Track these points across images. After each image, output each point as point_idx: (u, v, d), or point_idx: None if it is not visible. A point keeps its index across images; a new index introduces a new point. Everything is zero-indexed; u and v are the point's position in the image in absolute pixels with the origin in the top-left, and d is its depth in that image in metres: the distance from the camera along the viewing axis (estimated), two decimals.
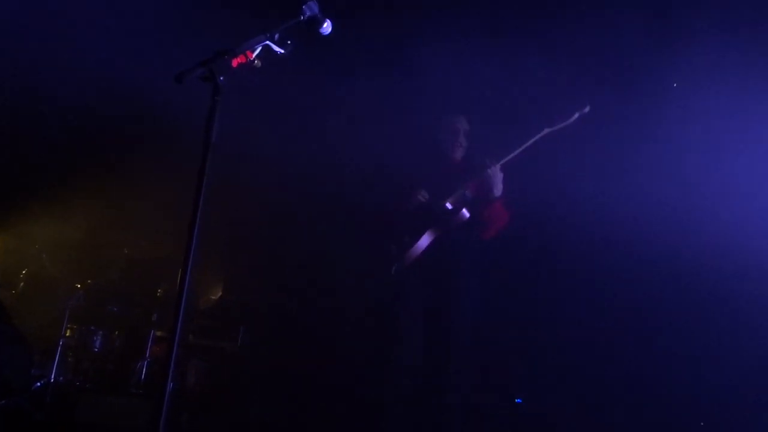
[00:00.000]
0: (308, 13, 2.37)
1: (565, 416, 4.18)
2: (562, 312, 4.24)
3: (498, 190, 3.31)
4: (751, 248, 3.76)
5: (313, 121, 4.24)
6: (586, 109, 3.38)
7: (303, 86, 4.04)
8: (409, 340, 3.40)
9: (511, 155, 3.33)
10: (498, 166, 3.32)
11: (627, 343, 4.10)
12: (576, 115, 3.36)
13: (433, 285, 3.40)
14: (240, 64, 2.09)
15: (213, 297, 5.13)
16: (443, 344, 3.39)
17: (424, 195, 3.34)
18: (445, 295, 3.41)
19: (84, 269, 4.67)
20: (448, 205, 3.27)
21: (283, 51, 2.22)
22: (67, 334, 4.49)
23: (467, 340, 3.47)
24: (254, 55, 2.15)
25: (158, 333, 4.77)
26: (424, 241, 3.27)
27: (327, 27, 2.46)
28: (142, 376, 4.61)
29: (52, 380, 4.27)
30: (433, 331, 3.40)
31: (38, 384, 4.25)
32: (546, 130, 3.33)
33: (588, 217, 3.84)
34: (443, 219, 3.29)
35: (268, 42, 2.18)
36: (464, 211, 3.26)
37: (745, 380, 3.80)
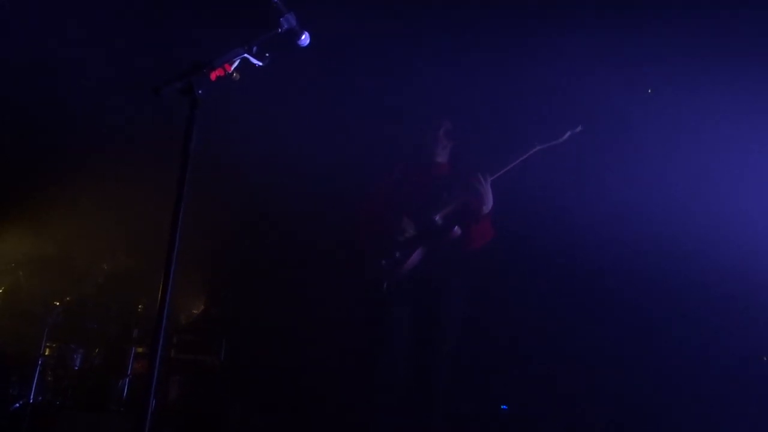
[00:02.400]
0: (286, 26, 2.37)
1: (553, 424, 4.19)
2: (551, 320, 4.25)
3: (488, 205, 3.30)
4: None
5: (296, 131, 4.22)
6: (578, 129, 3.38)
7: (283, 95, 4.03)
8: (396, 352, 3.39)
9: (502, 171, 3.33)
10: (489, 181, 3.31)
11: (618, 352, 4.12)
12: (567, 134, 3.36)
13: (421, 297, 3.40)
14: (218, 77, 2.09)
15: (195, 311, 5.08)
16: (431, 356, 3.39)
17: (416, 212, 3.33)
18: (433, 307, 3.41)
19: (62, 285, 4.59)
20: (438, 219, 3.27)
21: (261, 63, 2.21)
22: (46, 353, 4.41)
23: (454, 351, 3.47)
24: (232, 68, 2.15)
25: (139, 349, 4.70)
26: (416, 257, 3.27)
27: (305, 39, 2.46)
28: (124, 394, 4.56)
29: (31, 400, 4.20)
30: (420, 342, 3.40)
31: (16, 405, 4.19)
32: (537, 147, 3.34)
33: (577, 225, 3.87)
34: (434, 235, 3.29)
35: (246, 55, 2.18)
36: (456, 228, 3.25)
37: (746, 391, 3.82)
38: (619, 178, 3.89)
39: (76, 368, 4.52)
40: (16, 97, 4.27)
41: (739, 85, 3.75)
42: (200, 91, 1.97)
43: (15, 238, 4.60)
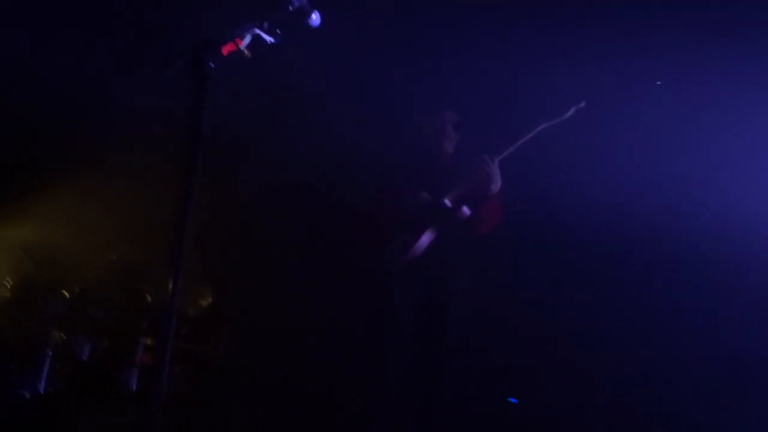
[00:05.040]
0: (297, 4, 2.35)
1: (563, 417, 4.15)
2: (561, 311, 4.22)
3: (496, 185, 3.30)
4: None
5: (305, 116, 4.20)
6: (582, 104, 3.40)
7: (293, 80, 4.01)
8: (402, 342, 3.38)
9: (508, 150, 3.33)
10: (496, 161, 3.32)
11: (630, 343, 4.07)
12: (572, 110, 3.38)
13: (428, 284, 3.38)
14: (230, 52, 2.07)
15: (202, 302, 5.06)
16: (437, 345, 3.38)
17: (425, 196, 3.32)
18: (440, 294, 3.39)
19: (70, 275, 4.58)
20: (447, 203, 3.26)
21: (273, 40, 2.19)
22: (54, 343, 4.40)
23: (462, 339, 3.45)
24: (243, 44, 2.13)
25: (147, 340, 4.69)
26: (425, 239, 3.26)
27: (316, 19, 2.44)
28: (133, 385, 4.55)
29: (40, 390, 4.19)
30: (427, 331, 3.38)
31: (25, 394, 4.17)
32: (542, 125, 3.34)
33: (587, 214, 3.85)
34: (443, 217, 3.28)
35: (257, 30, 2.16)
36: (464, 208, 3.25)
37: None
38: (627, 162, 3.86)
39: (84, 358, 4.52)
40: (16, 88, 4.26)
41: (750, 72, 3.72)
42: (212, 64, 1.95)
43: (23, 228, 4.59)
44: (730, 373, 3.91)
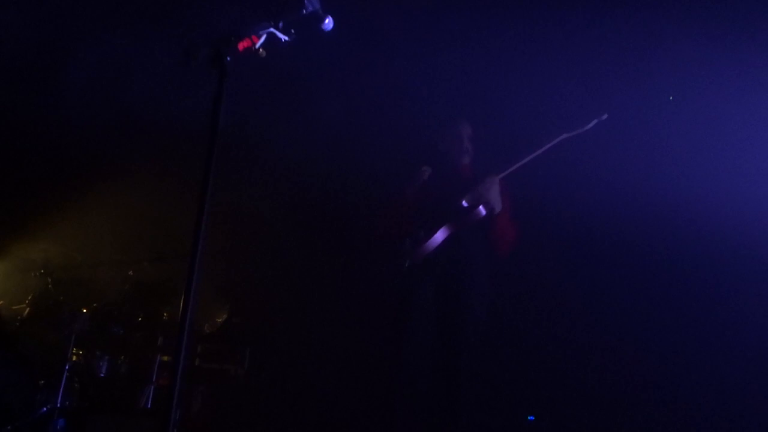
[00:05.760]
0: (310, 8, 2.43)
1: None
2: (580, 321, 4.17)
3: (498, 205, 3.28)
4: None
5: (321, 123, 4.27)
6: (604, 117, 3.40)
7: (310, 80, 4.08)
8: (418, 345, 3.37)
9: (518, 165, 3.33)
10: (496, 180, 3.30)
11: (653, 353, 4.01)
12: (594, 122, 3.38)
13: (446, 286, 3.38)
14: (245, 49, 2.14)
15: (218, 320, 5.09)
16: (454, 348, 3.36)
17: (442, 195, 3.34)
18: (458, 297, 3.39)
19: (88, 292, 4.64)
20: (464, 203, 3.28)
21: (287, 38, 2.27)
22: (73, 359, 4.44)
23: (478, 344, 3.44)
24: (259, 42, 2.20)
25: (164, 358, 4.71)
26: (440, 236, 3.27)
27: (328, 23, 2.51)
28: (149, 403, 4.56)
29: (58, 405, 4.21)
30: (443, 335, 3.38)
31: (44, 409, 4.20)
32: (564, 136, 3.36)
33: (604, 219, 3.84)
34: (459, 215, 3.29)
35: (272, 29, 2.23)
36: (480, 207, 3.24)
37: None
38: (644, 167, 3.87)
39: (102, 375, 4.55)
40: (34, 101, 4.33)
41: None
42: (229, 59, 2.02)
43: (43, 245, 4.67)
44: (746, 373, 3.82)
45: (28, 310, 4.61)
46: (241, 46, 2.11)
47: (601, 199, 3.90)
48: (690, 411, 3.85)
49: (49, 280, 4.60)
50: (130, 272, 4.72)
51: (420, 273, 3.32)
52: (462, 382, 3.23)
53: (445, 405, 3.31)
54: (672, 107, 4.09)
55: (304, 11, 2.41)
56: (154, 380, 4.58)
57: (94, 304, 4.59)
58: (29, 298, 4.66)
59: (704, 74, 3.82)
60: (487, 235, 3.34)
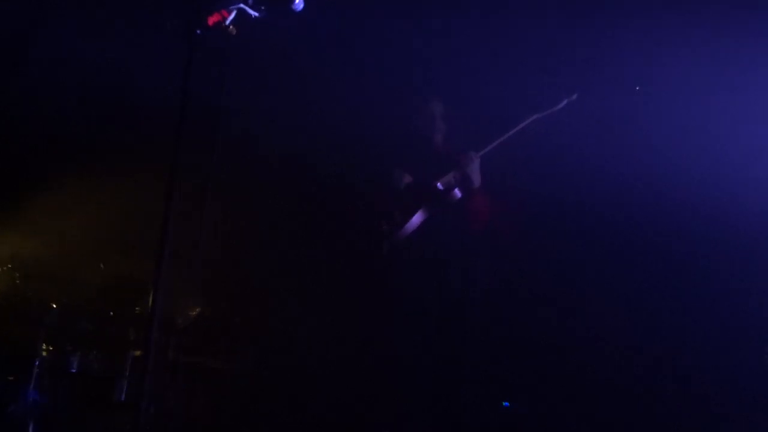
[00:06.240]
0: None
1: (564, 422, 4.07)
2: (566, 306, 4.18)
3: (477, 181, 3.38)
4: None
5: (296, 104, 4.23)
6: (574, 96, 3.49)
7: (286, 64, 4.05)
8: (405, 333, 3.38)
9: (496, 143, 3.42)
10: (477, 158, 3.39)
11: (639, 340, 4.02)
12: (564, 102, 3.48)
13: (429, 271, 3.41)
14: (215, 24, 2.12)
15: (192, 312, 5.02)
16: (442, 334, 3.39)
17: (417, 179, 3.38)
18: (442, 281, 3.42)
19: (58, 287, 4.55)
20: (439, 186, 3.34)
21: (257, 14, 2.26)
22: (43, 355, 4.36)
23: (464, 329, 3.47)
24: (230, 18, 2.19)
25: (137, 353, 4.64)
26: (416, 219, 3.31)
27: (299, 3, 2.51)
28: (122, 397, 4.49)
29: (27, 403, 4.13)
30: (432, 316, 3.40)
31: (12, 407, 4.11)
32: (535, 116, 3.44)
33: (592, 204, 3.85)
34: (435, 198, 3.34)
35: (242, 5, 2.22)
36: (456, 190, 3.33)
37: None
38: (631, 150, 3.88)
39: (73, 371, 4.47)
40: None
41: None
42: (198, 32, 2.00)
43: (10, 240, 4.56)
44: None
45: None
46: (211, 20, 2.10)
47: (585, 181, 3.91)
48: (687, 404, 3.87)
49: (17, 274, 4.51)
50: (101, 265, 4.64)
51: (401, 257, 3.34)
52: (456, 369, 3.27)
53: (440, 392, 3.33)
54: (646, 85, 4.11)
55: None
56: (126, 375, 4.52)
57: (64, 299, 4.51)
58: None
59: (675, 52, 3.85)
60: (464, 215, 3.39)
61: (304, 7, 2.55)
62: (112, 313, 4.59)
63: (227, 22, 2.19)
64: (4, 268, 4.50)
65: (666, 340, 4.03)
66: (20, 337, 4.36)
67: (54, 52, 4.12)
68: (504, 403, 4.50)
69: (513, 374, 4.14)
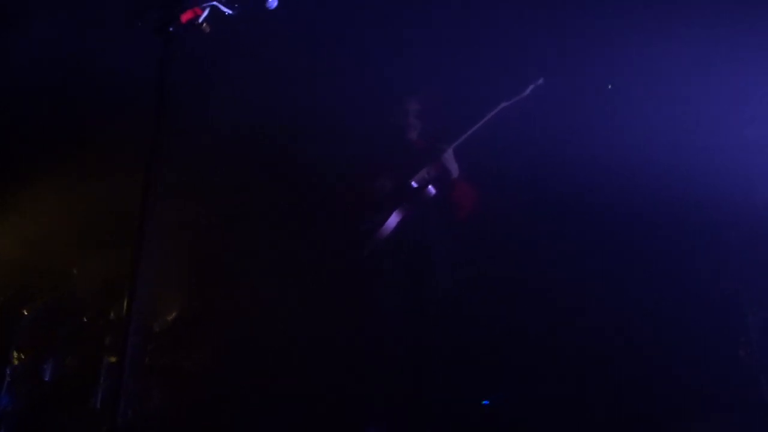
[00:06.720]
0: None
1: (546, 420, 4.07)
2: (548, 302, 4.17)
3: (454, 170, 3.41)
4: None
5: (271, 103, 4.21)
6: (540, 81, 3.54)
7: (261, 60, 4.02)
8: (385, 329, 3.39)
9: (467, 134, 3.45)
10: (450, 150, 3.42)
11: (637, 339, 4.01)
12: (530, 88, 3.53)
13: (408, 268, 3.43)
14: (188, 20, 2.11)
15: (168, 317, 4.97)
16: (419, 331, 3.40)
17: (392, 177, 3.40)
18: (420, 278, 3.44)
19: (30, 292, 4.47)
20: (414, 184, 3.36)
21: (230, 12, 2.25)
22: (14, 363, 4.28)
23: (443, 327, 3.49)
24: (203, 15, 2.18)
25: (112, 358, 4.58)
26: (393, 219, 3.33)
27: (272, 1, 2.51)
28: (98, 403, 4.43)
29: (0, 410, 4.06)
30: (408, 316, 3.42)
31: None
32: (503, 104, 3.48)
33: (574, 193, 3.85)
34: (410, 197, 3.37)
35: (215, 2, 2.21)
36: (430, 187, 3.35)
37: None
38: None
39: (47, 379, 4.40)
40: None
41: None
42: (171, 29, 1.99)
43: None
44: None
45: None
46: (184, 17, 2.08)
47: (565, 170, 3.89)
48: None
49: None
50: (74, 270, 4.57)
51: (381, 257, 3.36)
52: (433, 362, 3.28)
53: (416, 387, 3.34)
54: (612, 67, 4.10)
55: None
56: (101, 382, 4.46)
57: (36, 305, 4.43)
58: None
59: (652, 38, 3.86)
60: (442, 209, 3.42)
61: (277, 5, 2.56)
62: (85, 319, 4.53)
63: (200, 20, 2.19)
64: None
65: (653, 336, 4.04)
66: None
67: (28, 47, 4.02)
68: (484, 401, 4.53)
69: (497, 370, 4.15)
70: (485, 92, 3.68)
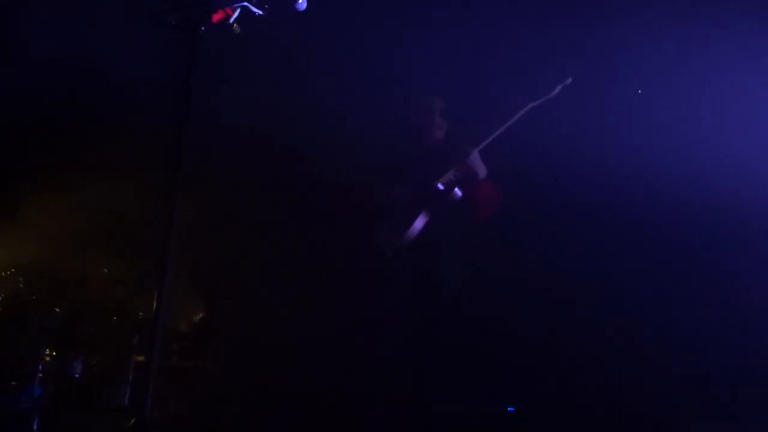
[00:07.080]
0: None
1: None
2: (561, 307, 4.15)
3: (482, 171, 3.39)
4: None
5: (293, 104, 4.23)
6: (569, 81, 3.50)
7: (279, 64, 4.05)
8: (397, 341, 3.38)
9: (494, 135, 3.42)
10: (476, 151, 3.40)
11: (641, 342, 3.98)
12: (559, 88, 3.49)
13: (419, 273, 3.41)
14: (219, 21, 2.12)
15: (195, 317, 5.01)
16: (429, 337, 3.38)
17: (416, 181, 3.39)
18: (431, 283, 3.42)
19: (61, 291, 4.53)
20: (440, 186, 3.34)
21: (261, 12, 2.26)
22: (46, 360, 4.35)
23: (453, 330, 3.46)
24: (234, 16, 2.19)
25: (140, 357, 4.63)
26: (418, 223, 3.32)
27: (302, 3, 2.52)
28: (125, 402, 4.48)
29: (30, 408, 4.12)
30: (418, 322, 3.39)
31: (16, 411, 4.10)
32: (530, 105, 3.45)
33: (573, 193, 3.84)
34: (435, 200, 3.34)
35: (246, 3, 2.22)
36: (456, 189, 3.33)
37: None
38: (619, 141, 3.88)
39: (77, 376, 4.45)
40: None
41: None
42: (203, 28, 2.00)
43: (13, 244, 4.54)
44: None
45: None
46: (215, 17, 2.10)
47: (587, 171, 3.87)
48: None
49: (21, 279, 4.49)
50: (105, 269, 4.63)
51: (399, 261, 3.34)
52: (433, 363, 3.26)
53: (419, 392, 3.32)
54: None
55: None
56: (130, 380, 4.51)
57: (67, 303, 4.50)
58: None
59: (678, 41, 3.82)
60: (463, 215, 3.39)
61: (307, 6, 2.57)
62: (114, 318, 4.58)
63: (231, 20, 2.20)
64: (7, 273, 4.49)
65: (653, 336, 4.00)
66: (22, 343, 4.34)
67: (52, 46, 4.08)
68: (509, 408, 4.48)
69: (497, 370, 4.13)
70: (496, 93, 3.67)
